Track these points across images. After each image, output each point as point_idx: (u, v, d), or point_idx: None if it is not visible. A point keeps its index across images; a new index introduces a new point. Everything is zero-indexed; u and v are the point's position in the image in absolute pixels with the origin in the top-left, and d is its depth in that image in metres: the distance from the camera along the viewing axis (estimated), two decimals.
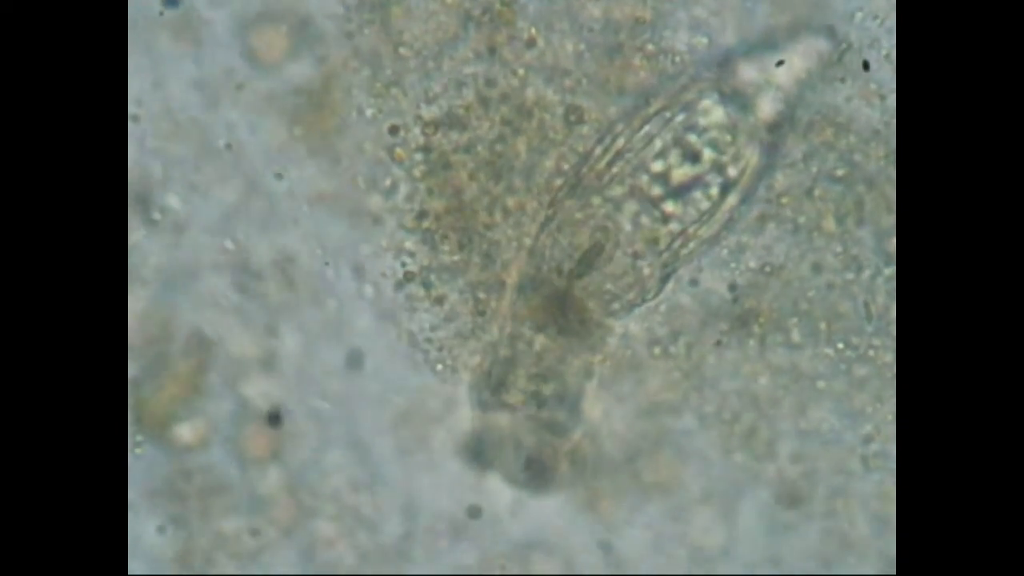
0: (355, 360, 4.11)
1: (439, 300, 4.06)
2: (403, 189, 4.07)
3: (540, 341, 4.04)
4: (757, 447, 4.10)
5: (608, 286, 3.99)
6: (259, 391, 4.11)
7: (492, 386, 4.07)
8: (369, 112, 4.06)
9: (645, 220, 3.97)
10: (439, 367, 4.09)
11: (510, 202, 4.05)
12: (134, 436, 4.08)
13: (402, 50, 4.05)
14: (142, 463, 4.10)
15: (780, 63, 3.97)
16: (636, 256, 3.98)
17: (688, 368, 4.09)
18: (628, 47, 4.04)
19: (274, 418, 4.11)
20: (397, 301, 4.09)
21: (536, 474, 4.11)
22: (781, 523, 4.12)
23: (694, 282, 4.06)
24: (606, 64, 4.04)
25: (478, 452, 4.11)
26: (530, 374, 4.05)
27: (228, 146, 4.05)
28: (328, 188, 4.08)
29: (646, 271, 4.00)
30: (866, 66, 4.00)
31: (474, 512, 4.14)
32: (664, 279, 4.03)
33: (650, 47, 4.04)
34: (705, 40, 4.02)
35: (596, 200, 3.98)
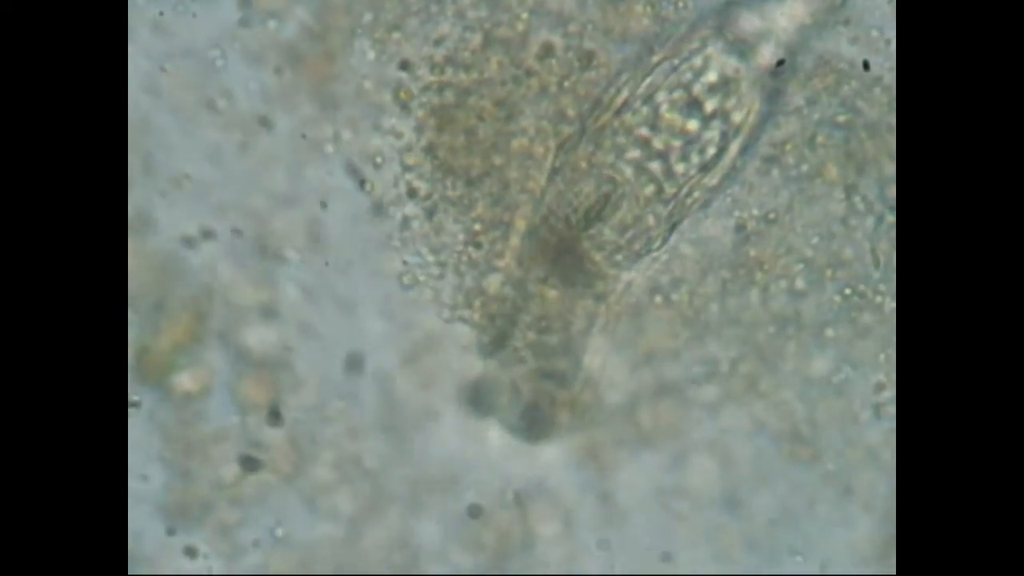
0: (351, 304, 4.12)
1: (437, 228, 4.05)
2: (409, 128, 4.06)
3: (544, 289, 4.03)
4: (760, 396, 4.09)
5: (613, 237, 3.98)
6: (259, 338, 4.10)
7: (494, 334, 4.06)
8: (372, 55, 4.05)
9: (651, 170, 3.97)
10: (419, 288, 4.08)
11: (515, 144, 4.04)
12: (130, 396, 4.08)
13: None
14: (142, 411, 4.09)
15: (781, 62, 3.97)
16: (642, 206, 3.97)
17: (690, 316, 4.08)
18: None
19: (274, 415, 4.10)
20: (395, 230, 4.08)
21: (534, 423, 4.10)
22: (784, 473, 4.11)
23: (704, 204, 4.05)
24: (610, 10, 4.03)
25: (477, 399, 4.10)
26: (534, 323, 4.04)
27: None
28: (329, 131, 4.07)
29: (651, 221, 3.99)
30: (866, 66, 4.00)
31: (474, 511, 4.13)
32: (670, 229, 4.02)
33: None
34: None
35: (602, 151, 3.97)
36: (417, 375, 4.12)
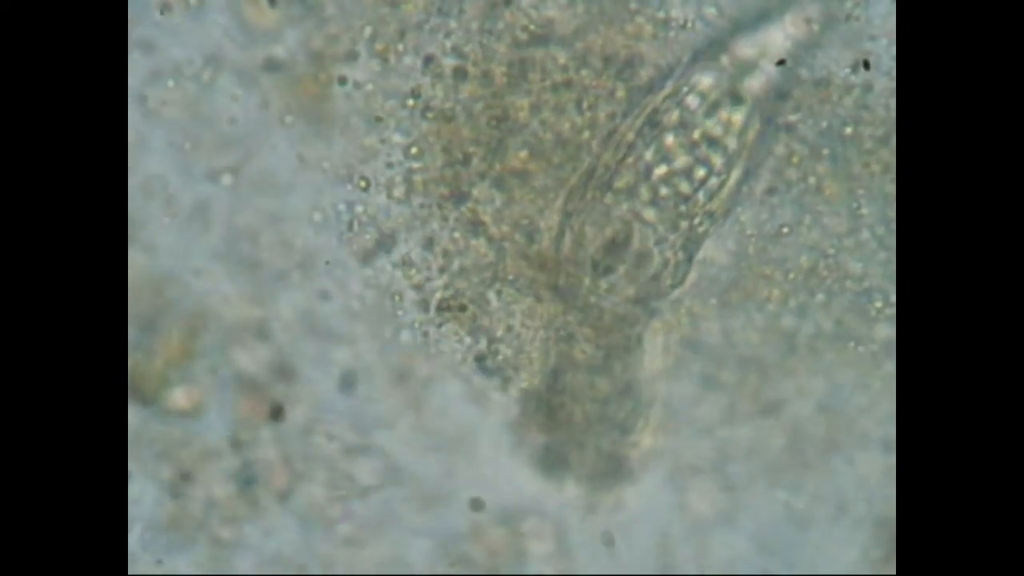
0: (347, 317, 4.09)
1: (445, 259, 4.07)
2: (410, 139, 4.04)
3: (579, 341, 4.03)
4: (766, 414, 4.09)
5: (637, 277, 3.98)
6: (253, 356, 4.07)
7: (546, 399, 4.07)
8: (376, 67, 4.03)
9: (662, 204, 3.96)
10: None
11: (523, 156, 4.04)
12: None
13: (405, 7, 4.02)
14: (137, 430, 4.06)
15: (782, 62, 3.97)
16: (658, 243, 3.97)
17: (690, 333, 4.08)
18: (640, 16, 4.03)
19: (276, 413, 4.08)
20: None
21: (610, 470, 4.09)
22: (783, 489, 4.12)
23: (714, 230, 4.05)
24: (617, 34, 4.02)
25: (548, 467, 4.10)
26: (580, 378, 4.05)
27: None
28: (331, 149, 4.05)
29: (669, 255, 3.99)
30: (867, 65, 4.01)
31: (477, 505, 4.12)
32: (688, 259, 4.02)
33: (660, 15, 4.02)
34: (714, 10, 4.01)
35: (612, 192, 3.97)
36: (408, 393, 4.10)
